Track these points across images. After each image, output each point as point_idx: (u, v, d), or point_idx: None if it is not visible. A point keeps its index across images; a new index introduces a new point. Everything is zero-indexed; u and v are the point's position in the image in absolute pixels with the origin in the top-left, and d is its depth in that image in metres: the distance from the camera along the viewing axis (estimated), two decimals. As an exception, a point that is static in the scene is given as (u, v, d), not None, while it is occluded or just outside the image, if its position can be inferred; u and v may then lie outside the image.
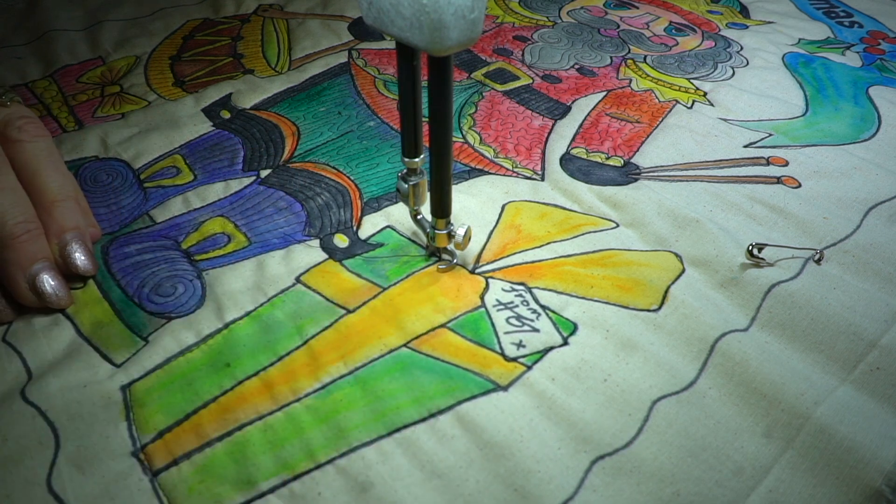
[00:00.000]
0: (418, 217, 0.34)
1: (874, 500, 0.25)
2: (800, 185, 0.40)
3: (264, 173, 0.40)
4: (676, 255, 0.35)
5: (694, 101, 0.49)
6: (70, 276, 0.31)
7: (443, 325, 0.30)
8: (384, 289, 0.32)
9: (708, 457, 0.26)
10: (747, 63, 0.54)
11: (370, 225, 0.37)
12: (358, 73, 0.51)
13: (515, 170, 0.41)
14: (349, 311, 0.31)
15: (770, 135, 0.45)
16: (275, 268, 0.34)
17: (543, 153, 0.43)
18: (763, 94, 0.49)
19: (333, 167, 0.41)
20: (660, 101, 0.48)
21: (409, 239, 0.36)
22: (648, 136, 0.44)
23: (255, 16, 0.59)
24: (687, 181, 0.40)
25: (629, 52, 0.56)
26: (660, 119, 0.46)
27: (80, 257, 0.30)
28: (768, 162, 0.42)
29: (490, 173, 0.41)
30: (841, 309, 0.32)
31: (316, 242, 0.35)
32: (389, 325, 0.30)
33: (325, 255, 0.34)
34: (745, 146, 0.44)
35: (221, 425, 0.26)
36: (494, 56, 0.54)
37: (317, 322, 0.31)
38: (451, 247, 0.33)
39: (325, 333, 0.30)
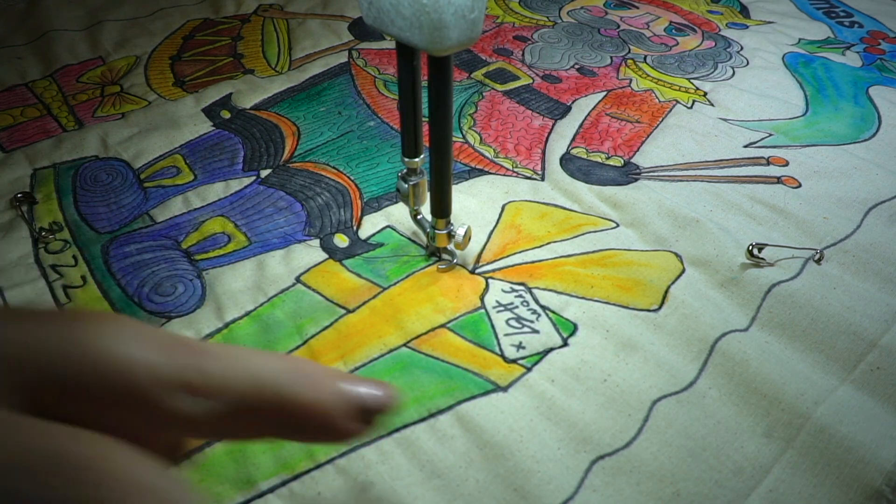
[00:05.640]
0: (418, 217, 0.34)
1: (874, 499, 0.24)
2: (800, 185, 0.40)
3: (264, 173, 0.40)
4: (676, 255, 0.35)
5: (694, 101, 0.48)
6: None
7: (443, 325, 0.30)
8: (384, 288, 0.32)
9: (708, 457, 0.26)
10: (747, 63, 0.54)
11: (370, 225, 0.37)
12: (358, 73, 0.51)
13: (515, 170, 0.41)
14: (349, 311, 0.31)
15: (770, 135, 0.45)
16: (275, 267, 0.34)
17: (543, 153, 0.43)
18: (763, 94, 0.49)
19: (333, 167, 0.41)
20: (660, 101, 0.48)
21: (409, 239, 0.36)
22: (648, 136, 0.44)
23: (255, 16, 0.59)
24: (687, 181, 0.40)
25: (629, 52, 0.56)
26: (660, 119, 0.46)
27: None
28: (768, 162, 0.42)
29: (490, 173, 0.41)
30: (841, 309, 0.32)
31: (316, 242, 0.35)
32: (389, 324, 0.30)
33: (325, 255, 0.34)
34: (745, 146, 0.44)
35: (221, 425, 0.26)
36: (494, 56, 0.54)
37: (317, 322, 0.31)
38: (451, 247, 0.33)
39: (325, 333, 0.30)
